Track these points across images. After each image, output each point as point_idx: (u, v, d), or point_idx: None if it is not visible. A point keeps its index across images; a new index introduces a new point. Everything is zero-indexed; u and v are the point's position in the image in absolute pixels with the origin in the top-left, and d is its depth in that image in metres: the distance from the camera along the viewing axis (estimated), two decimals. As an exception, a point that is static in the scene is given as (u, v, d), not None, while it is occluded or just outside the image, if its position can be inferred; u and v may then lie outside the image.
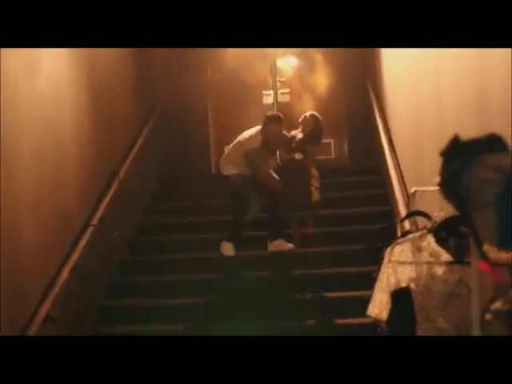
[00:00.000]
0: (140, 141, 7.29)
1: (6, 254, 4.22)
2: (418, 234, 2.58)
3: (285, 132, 6.49)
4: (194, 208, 7.50)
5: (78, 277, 5.25)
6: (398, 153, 6.30)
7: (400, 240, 2.62)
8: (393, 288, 2.55)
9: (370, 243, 6.29)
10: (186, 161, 8.90)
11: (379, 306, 2.60)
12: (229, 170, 6.29)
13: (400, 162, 6.11)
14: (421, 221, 3.30)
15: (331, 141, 9.24)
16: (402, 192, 5.66)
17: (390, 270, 2.57)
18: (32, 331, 4.46)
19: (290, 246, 6.24)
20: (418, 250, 2.52)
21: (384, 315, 2.58)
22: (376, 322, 2.84)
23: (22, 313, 4.50)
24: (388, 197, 7.01)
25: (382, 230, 6.50)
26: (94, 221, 5.70)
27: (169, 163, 8.58)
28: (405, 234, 2.74)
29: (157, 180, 8.17)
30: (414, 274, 2.50)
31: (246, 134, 6.39)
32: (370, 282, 5.22)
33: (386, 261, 2.62)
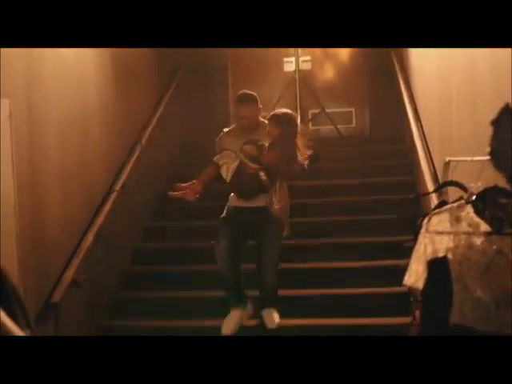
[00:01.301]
0: (161, 108, 7.26)
1: (33, 219, 4.24)
2: (455, 204, 2.55)
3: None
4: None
5: (102, 242, 5.27)
6: (423, 122, 6.22)
7: (437, 210, 2.59)
8: (429, 258, 2.53)
9: (398, 213, 6.29)
10: (206, 127, 8.86)
11: (415, 276, 2.58)
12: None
13: (425, 131, 6.04)
14: (453, 191, 3.26)
15: (352, 109, 9.17)
16: (428, 162, 5.60)
17: (427, 240, 2.55)
18: (58, 296, 4.51)
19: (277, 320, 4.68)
20: (456, 220, 2.49)
21: (420, 284, 2.56)
22: (410, 292, 2.84)
23: (48, 277, 4.54)
24: (412, 167, 6.96)
25: (408, 200, 6.49)
26: (117, 187, 5.71)
27: (189, 130, 8.55)
28: (441, 204, 2.70)
29: (178, 147, 8.14)
30: (451, 244, 2.48)
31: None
32: (399, 251, 5.27)
33: (423, 230, 2.59)
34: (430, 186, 5.26)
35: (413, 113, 6.54)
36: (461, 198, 2.64)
